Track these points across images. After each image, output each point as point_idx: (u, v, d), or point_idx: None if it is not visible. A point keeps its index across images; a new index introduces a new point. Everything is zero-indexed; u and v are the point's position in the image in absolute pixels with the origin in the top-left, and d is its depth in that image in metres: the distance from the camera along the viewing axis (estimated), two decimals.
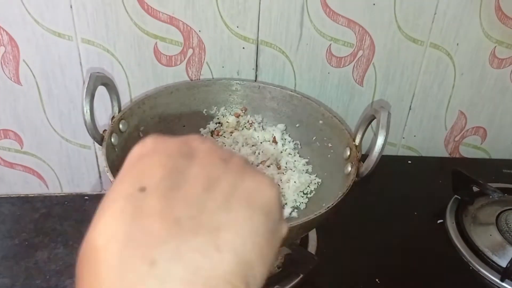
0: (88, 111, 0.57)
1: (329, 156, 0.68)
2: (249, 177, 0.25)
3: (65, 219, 0.77)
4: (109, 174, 0.54)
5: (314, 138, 0.71)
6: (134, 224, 0.21)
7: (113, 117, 0.63)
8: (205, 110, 0.73)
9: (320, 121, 0.69)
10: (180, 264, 0.20)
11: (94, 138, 0.59)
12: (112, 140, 0.60)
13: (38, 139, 0.78)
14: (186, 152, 0.25)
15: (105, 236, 0.21)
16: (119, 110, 0.64)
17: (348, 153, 0.62)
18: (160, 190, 0.22)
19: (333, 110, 0.80)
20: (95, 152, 0.80)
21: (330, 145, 0.68)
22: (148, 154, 0.25)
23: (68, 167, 0.81)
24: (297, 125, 0.73)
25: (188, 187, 0.23)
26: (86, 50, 0.70)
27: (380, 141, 0.55)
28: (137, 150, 0.26)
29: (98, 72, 0.59)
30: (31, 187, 0.83)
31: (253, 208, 0.23)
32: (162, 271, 0.20)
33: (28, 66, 0.71)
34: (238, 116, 0.74)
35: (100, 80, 0.59)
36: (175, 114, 0.71)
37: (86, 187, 0.84)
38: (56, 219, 0.77)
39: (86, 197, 0.82)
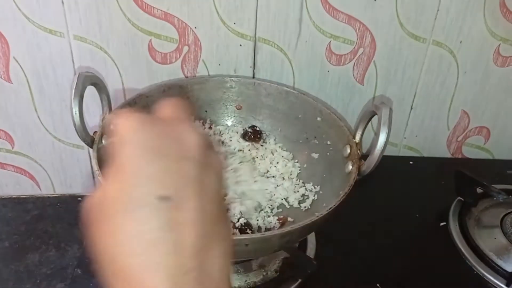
0: (77, 112, 0.55)
1: (328, 154, 0.66)
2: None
3: (57, 221, 0.75)
4: (100, 178, 0.52)
5: (312, 135, 0.69)
6: (170, 236, 0.24)
7: (103, 118, 0.61)
8: (199, 108, 0.72)
9: (318, 118, 0.67)
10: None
11: (84, 140, 0.57)
12: (103, 142, 0.58)
13: (29, 138, 0.76)
14: (180, 150, 0.26)
15: (140, 248, 0.23)
16: (110, 111, 0.62)
17: (348, 151, 0.60)
18: (183, 201, 0.24)
19: (331, 107, 0.78)
20: (89, 152, 0.78)
21: (329, 142, 0.66)
22: (143, 151, 0.25)
23: (61, 167, 0.79)
24: (294, 120, 0.70)
25: (198, 201, 0.25)
26: (79, 47, 0.68)
27: (382, 138, 0.53)
28: (128, 146, 0.25)
29: (87, 72, 0.57)
30: (23, 188, 0.81)
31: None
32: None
33: (18, 63, 0.69)
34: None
35: (89, 80, 0.57)
36: None
37: (80, 188, 0.82)
38: (48, 221, 0.75)
39: (79, 198, 0.80)
